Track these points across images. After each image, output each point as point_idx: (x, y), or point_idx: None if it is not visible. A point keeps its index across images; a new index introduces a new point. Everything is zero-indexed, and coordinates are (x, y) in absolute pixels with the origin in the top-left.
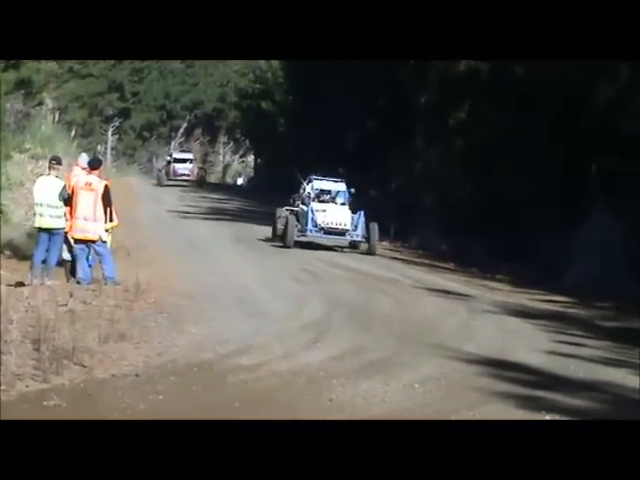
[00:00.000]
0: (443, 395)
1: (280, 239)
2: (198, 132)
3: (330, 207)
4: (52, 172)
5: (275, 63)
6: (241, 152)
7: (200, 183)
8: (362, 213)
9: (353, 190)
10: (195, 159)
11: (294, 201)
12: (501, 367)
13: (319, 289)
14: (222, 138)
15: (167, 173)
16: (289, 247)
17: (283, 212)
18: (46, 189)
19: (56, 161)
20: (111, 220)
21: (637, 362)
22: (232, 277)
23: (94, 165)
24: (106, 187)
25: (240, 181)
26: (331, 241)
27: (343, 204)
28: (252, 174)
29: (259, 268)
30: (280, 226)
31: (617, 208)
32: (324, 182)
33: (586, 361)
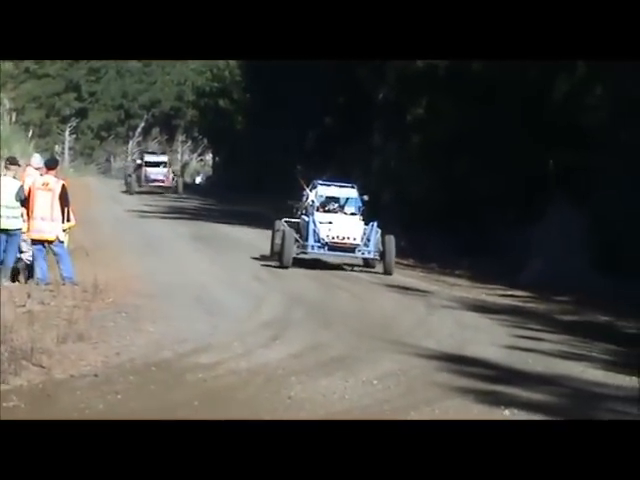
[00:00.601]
0: (402, 391)
1: (278, 257)
2: (156, 131)
3: (337, 218)
4: (8, 173)
5: (232, 61)
6: (199, 151)
7: (176, 190)
8: (375, 224)
9: (366, 197)
10: (170, 162)
11: (296, 211)
12: (460, 362)
13: (278, 286)
14: (180, 137)
15: (138, 179)
16: (286, 267)
17: (282, 225)
18: (2, 190)
19: (10, 161)
20: (68, 220)
21: (596, 356)
22: (191, 276)
23: (51, 165)
24: (63, 187)
25: (198, 180)
26: (338, 258)
27: (354, 214)
28: (210, 173)
29: (218, 266)
30: (278, 241)
31: (576, 203)
32: (331, 188)
33: (545, 355)
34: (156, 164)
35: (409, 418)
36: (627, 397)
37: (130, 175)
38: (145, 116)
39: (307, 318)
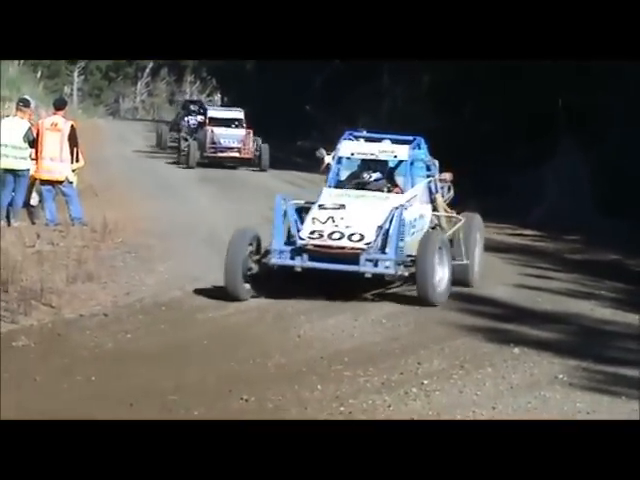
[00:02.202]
0: (411, 329)
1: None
2: (164, 72)
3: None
4: (19, 114)
5: None
6: (208, 91)
7: (259, 162)
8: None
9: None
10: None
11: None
12: (469, 301)
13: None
14: (188, 77)
15: (200, 144)
16: None
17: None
18: (10, 130)
19: (23, 103)
20: (77, 161)
21: (605, 294)
22: (200, 216)
23: (59, 105)
24: (72, 127)
25: None
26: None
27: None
28: None
29: (228, 204)
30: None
31: (583, 145)
32: (369, 145)
33: (554, 294)
34: (226, 122)
35: (418, 362)
36: (636, 335)
37: (186, 138)
38: None
39: None
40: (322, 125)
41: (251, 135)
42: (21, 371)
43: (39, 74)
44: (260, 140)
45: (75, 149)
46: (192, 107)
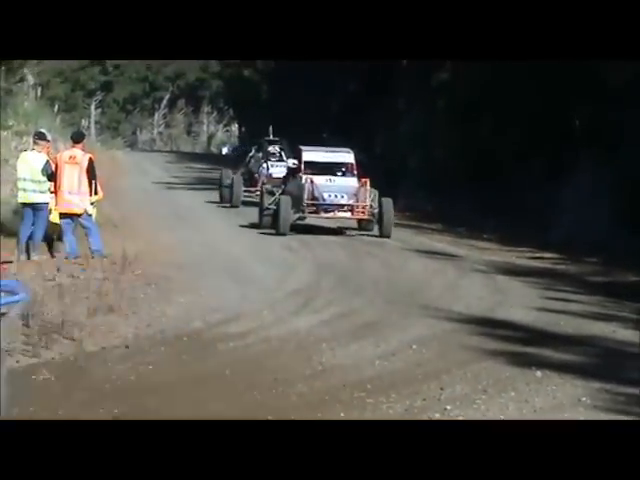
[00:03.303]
0: (434, 355)
1: None
2: (181, 103)
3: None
4: (36, 147)
5: None
6: (225, 121)
7: (381, 227)
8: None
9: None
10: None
11: None
12: (491, 325)
13: (309, 255)
14: (205, 108)
15: (296, 202)
16: None
17: None
18: (29, 164)
19: (39, 136)
20: (96, 193)
21: (627, 316)
22: (220, 246)
23: (77, 139)
24: (90, 160)
25: (225, 150)
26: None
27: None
28: (237, 143)
29: (247, 236)
30: None
31: (602, 161)
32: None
33: (576, 316)
34: (331, 168)
35: (441, 388)
36: None
37: (272, 192)
38: (170, 88)
39: (337, 285)
40: None
41: (367, 186)
42: (43, 405)
43: (56, 108)
44: (377, 193)
45: (93, 182)
46: (272, 149)
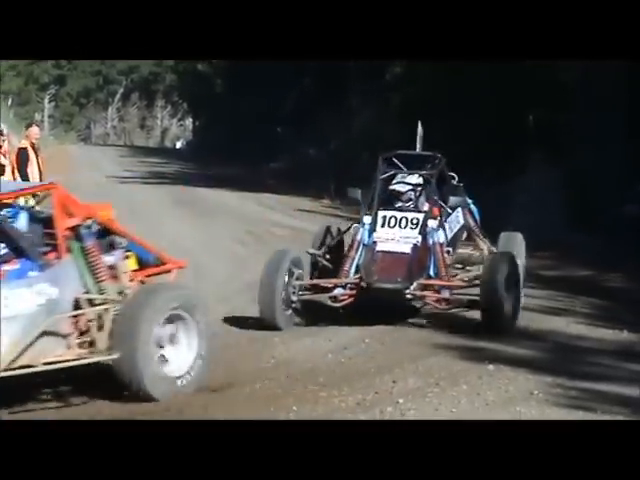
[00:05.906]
0: (386, 348)
1: None
2: (135, 97)
3: None
4: None
5: None
6: (179, 115)
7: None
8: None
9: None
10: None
11: None
12: (442, 319)
13: (262, 250)
14: (159, 102)
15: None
16: None
17: None
18: None
19: None
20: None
21: (579, 310)
22: (174, 241)
23: None
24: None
25: (179, 145)
26: None
27: None
28: (191, 137)
29: (200, 230)
30: None
31: (553, 160)
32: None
33: (528, 310)
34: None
35: (393, 381)
36: (610, 350)
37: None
38: (124, 82)
39: None
40: (293, 147)
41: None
42: None
43: (10, 101)
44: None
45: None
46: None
